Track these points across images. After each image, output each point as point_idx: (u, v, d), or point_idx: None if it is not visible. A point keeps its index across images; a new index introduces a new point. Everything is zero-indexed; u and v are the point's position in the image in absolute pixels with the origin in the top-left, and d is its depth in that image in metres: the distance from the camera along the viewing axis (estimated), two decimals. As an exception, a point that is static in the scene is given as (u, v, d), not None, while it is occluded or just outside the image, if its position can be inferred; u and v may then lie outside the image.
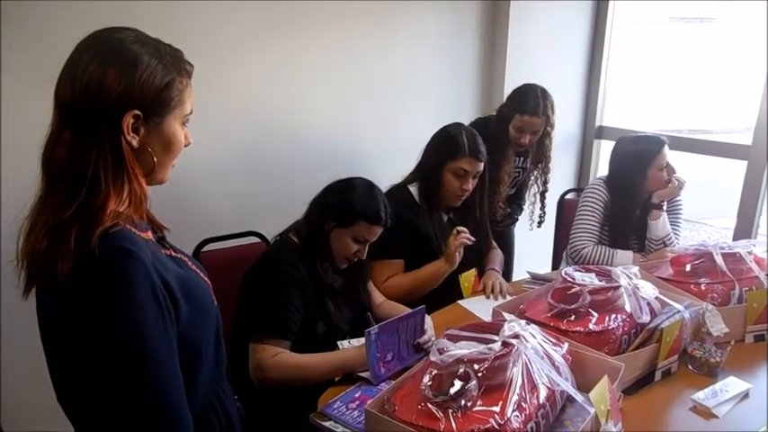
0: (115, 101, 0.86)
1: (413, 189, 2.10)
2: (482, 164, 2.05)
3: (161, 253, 0.96)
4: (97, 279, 0.82)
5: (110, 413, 0.86)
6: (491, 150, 2.36)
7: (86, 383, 0.86)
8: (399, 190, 2.11)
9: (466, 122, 2.53)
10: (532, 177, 2.64)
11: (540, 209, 2.63)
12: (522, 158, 2.59)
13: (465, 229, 1.98)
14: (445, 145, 2.05)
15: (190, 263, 1.05)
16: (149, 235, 0.96)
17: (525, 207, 2.75)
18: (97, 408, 0.87)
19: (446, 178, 2.04)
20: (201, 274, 1.06)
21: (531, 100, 2.37)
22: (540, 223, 2.66)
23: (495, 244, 2.34)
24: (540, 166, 2.58)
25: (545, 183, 2.60)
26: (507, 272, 2.62)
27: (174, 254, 1.02)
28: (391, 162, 2.32)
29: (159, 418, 0.87)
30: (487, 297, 2.05)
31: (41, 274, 0.86)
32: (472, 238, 1.99)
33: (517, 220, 2.78)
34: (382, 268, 2.00)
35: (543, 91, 2.40)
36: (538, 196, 2.64)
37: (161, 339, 0.86)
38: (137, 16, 1.81)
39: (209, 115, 2.16)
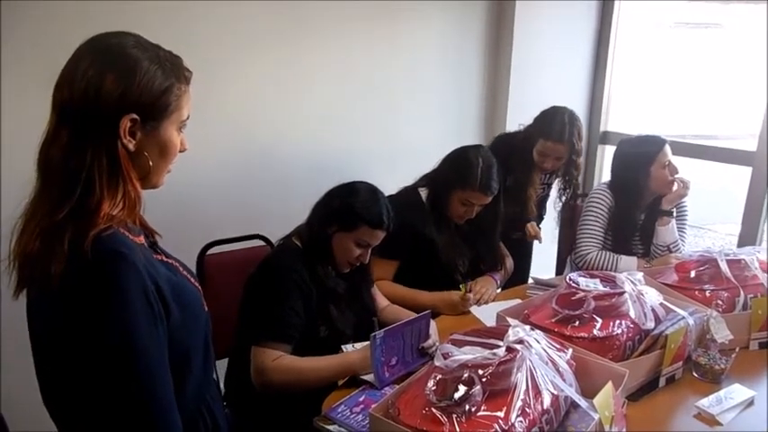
0: (113, 104, 0.86)
1: (423, 193, 2.08)
2: (490, 198, 2.02)
3: (153, 258, 0.96)
4: (89, 281, 0.82)
5: (99, 416, 0.85)
6: (516, 170, 2.30)
7: (76, 386, 0.86)
8: (409, 192, 2.10)
9: (468, 128, 2.52)
10: (563, 197, 2.56)
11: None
12: (547, 175, 2.52)
13: (472, 297, 1.97)
14: (460, 170, 2.00)
15: (181, 268, 1.05)
16: (141, 239, 0.96)
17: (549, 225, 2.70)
18: (86, 411, 0.87)
19: (452, 202, 2.02)
20: (192, 280, 1.06)
21: (556, 125, 2.28)
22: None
23: (504, 266, 2.28)
24: (566, 191, 2.50)
25: (573, 209, 2.49)
26: (522, 279, 2.58)
27: (165, 259, 1.02)
28: (395, 166, 2.32)
29: (149, 421, 0.87)
30: (472, 296, 1.99)
31: (33, 276, 0.85)
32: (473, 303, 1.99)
33: None
34: (375, 265, 1.98)
35: (571, 116, 2.30)
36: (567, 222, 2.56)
37: (152, 343, 0.86)
38: (136, 18, 1.82)
39: (213, 119, 2.16)
